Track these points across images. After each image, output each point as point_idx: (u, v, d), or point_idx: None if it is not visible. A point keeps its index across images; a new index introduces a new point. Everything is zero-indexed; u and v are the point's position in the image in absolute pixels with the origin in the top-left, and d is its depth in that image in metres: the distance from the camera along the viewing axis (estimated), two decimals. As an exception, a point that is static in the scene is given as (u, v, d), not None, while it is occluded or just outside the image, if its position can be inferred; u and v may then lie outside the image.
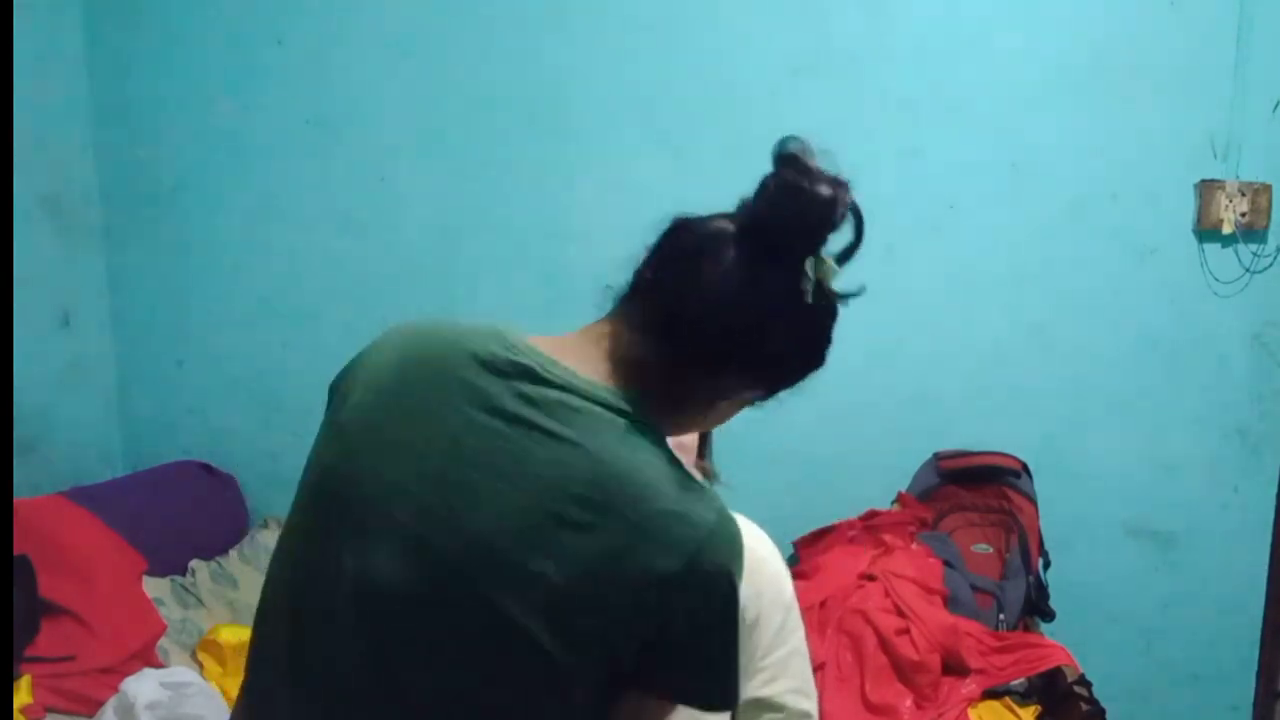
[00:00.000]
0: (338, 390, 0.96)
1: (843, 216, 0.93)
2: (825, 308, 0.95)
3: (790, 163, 0.92)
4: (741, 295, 0.90)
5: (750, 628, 1.31)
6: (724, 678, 0.90)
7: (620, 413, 0.87)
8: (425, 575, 0.84)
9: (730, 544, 0.87)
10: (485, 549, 0.83)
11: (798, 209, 0.90)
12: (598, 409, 0.86)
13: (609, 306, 0.97)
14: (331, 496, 0.91)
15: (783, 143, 0.93)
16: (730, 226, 0.93)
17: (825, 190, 0.91)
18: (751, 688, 1.31)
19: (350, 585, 0.86)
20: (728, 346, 0.91)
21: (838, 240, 0.95)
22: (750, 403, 0.99)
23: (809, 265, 0.92)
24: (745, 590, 1.30)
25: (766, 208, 0.92)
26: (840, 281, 0.96)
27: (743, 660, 1.32)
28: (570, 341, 0.95)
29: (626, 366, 0.92)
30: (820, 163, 0.93)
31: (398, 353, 0.93)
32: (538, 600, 0.82)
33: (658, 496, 0.83)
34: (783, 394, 1.00)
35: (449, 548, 0.84)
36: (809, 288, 0.91)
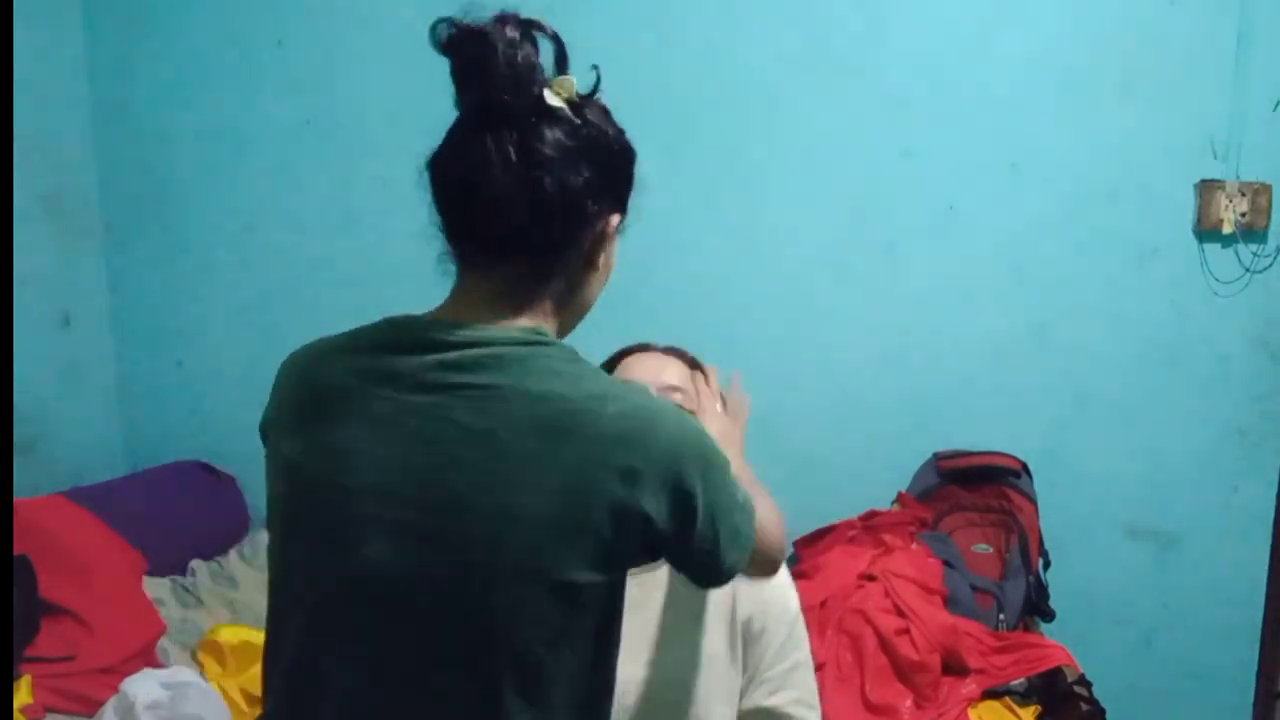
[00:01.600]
0: (267, 435, 0.99)
1: (523, 46, 0.90)
2: (593, 110, 0.97)
3: (455, 46, 0.92)
4: (527, 162, 0.90)
5: (756, 637, 1.32)
6: (725, 540, 0.94)
7: (536, 344, 0.90)
8: (428, 555, 0.87)
9: (672, 414, 0.91)
10: (469, 510, 0.86)
11: (497, 76, 0.89)
12: (515, 349, 0.89)
13: (453, 277, 1.01)
14: (311, 520, 0.93)
15: (434, 34, 0.93)
16: (469, 130, 0.94)
17: (500, 45, 0.89)
18: (757, 697, 1.32)
19: (364, 585, 0.88)
20: (552, 207, 0.91)
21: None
22: (616, 229, 1.00)
23: (551, 98, 0.92)
24: (752, 601, 1.31)
25: (478, 92, 0.91)
26: (581, 79, 0.97)
27: (749, 671, 1.33)
28: (457, 306, 0.98)
29: (507, 301, 0.95)
30: (470, 21, 0.91)
31: (303, 382, 0.96)
32: (532, 536, 0.85)
33: (599, 403, 0.87)
34: (631, 202, 1.01)
35: (437, 524, 0.87)
36: (568, 112, 0.93)
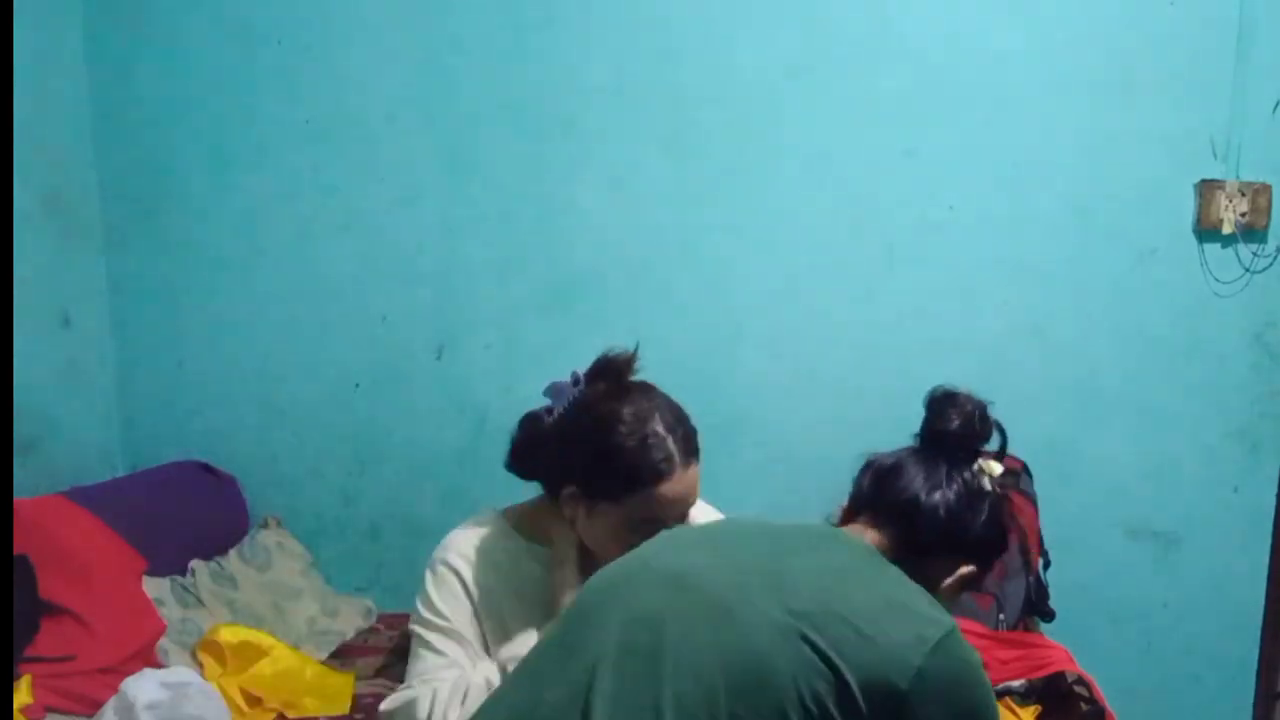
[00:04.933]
0: None
1: (988, 431, 1.24)
2: (999, 496, 1.23)
3: (947, 403, 1.25)
4: (951, 496, 1.20)
5: None
6: None
7: (865, 550, 1.14)
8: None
9: (950, 663, 1.02)
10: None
11: (966, 431, 1.23)
12: (842, 545, 1.14)
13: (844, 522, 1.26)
14: None
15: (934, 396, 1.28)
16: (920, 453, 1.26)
17: (975, 413, 1.25)
18: None
19: None
20: (949, 531, 1.19)
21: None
22: (967, 582, 1.23)
23: (982, 466, 1.23)
24: None
25: (953, 431, 1.24)
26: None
27: None
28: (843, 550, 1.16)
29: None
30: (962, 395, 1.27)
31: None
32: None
33: (884, 612, 1.02)
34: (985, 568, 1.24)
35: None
36: (986, 483, 1.21)
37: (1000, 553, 1.25)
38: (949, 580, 1.20)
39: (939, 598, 1.15)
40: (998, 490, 1.23)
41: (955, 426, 1.22)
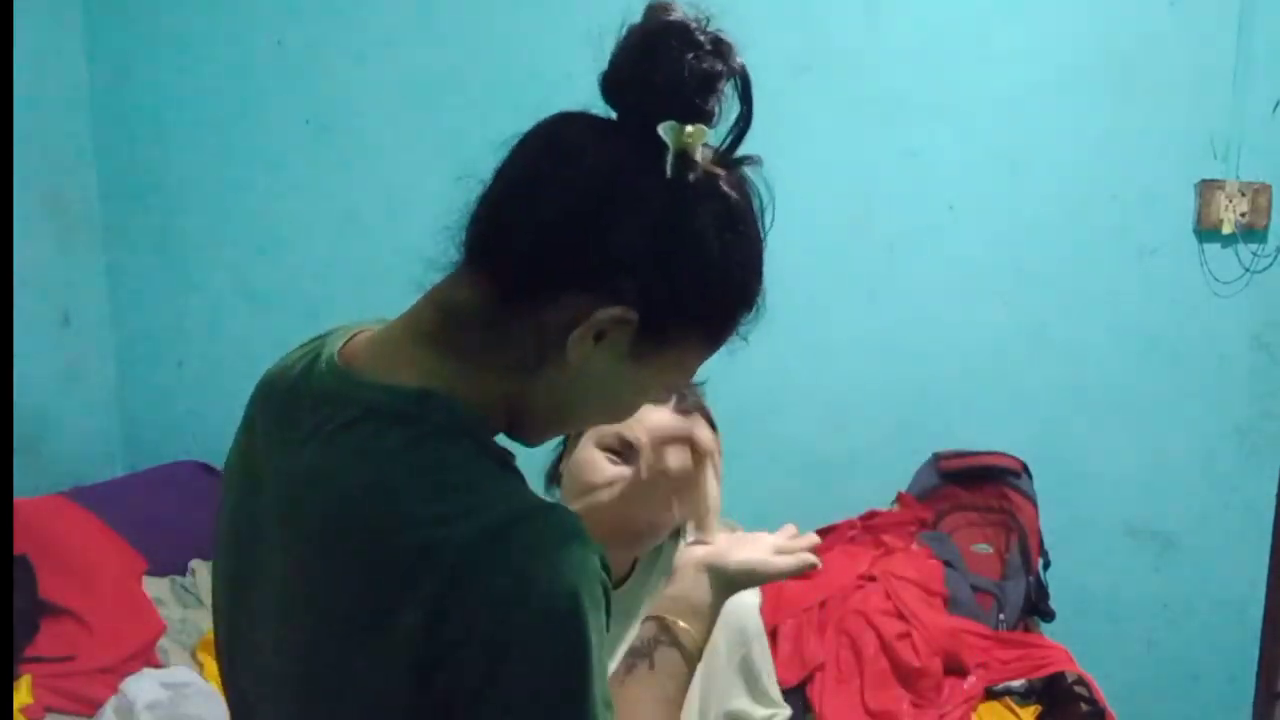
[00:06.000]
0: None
1: (723, 77, 0.73)
2: (702, 189, 0.71)
3: (658, 11, 0.74)
4: (559, 171, 0.71)
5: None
6: None
7: (386, 416, 0.70)
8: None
9: (513, 553, 0.64)
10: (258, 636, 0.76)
11: (658, 59, 0.71)
12: (365, 425, 0.71)
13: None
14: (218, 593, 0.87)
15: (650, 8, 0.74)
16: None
17: (703, 41, 0.73)
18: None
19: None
20: (547, 240, 0.69)
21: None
22: (626, 347, 0.71)
23: (665, 130, 0.69)
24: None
25: (621, 60, 0.74)
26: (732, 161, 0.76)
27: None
28: (385, 337, 0.80)
29: (445, 327, 0.75)
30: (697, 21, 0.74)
31: (246, 422, 0.87)
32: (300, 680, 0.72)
33: (403, 523, 0.66)
34: (724, 337, 0.79)
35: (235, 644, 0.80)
36: (669, 160, 0.69)
37: (696, 286, 0.71)
38: (577, 339, 0.70)
39: (549, 370, 0.72)
40: (709, 174, 0.72)
41: (660, 67, 0.72)
